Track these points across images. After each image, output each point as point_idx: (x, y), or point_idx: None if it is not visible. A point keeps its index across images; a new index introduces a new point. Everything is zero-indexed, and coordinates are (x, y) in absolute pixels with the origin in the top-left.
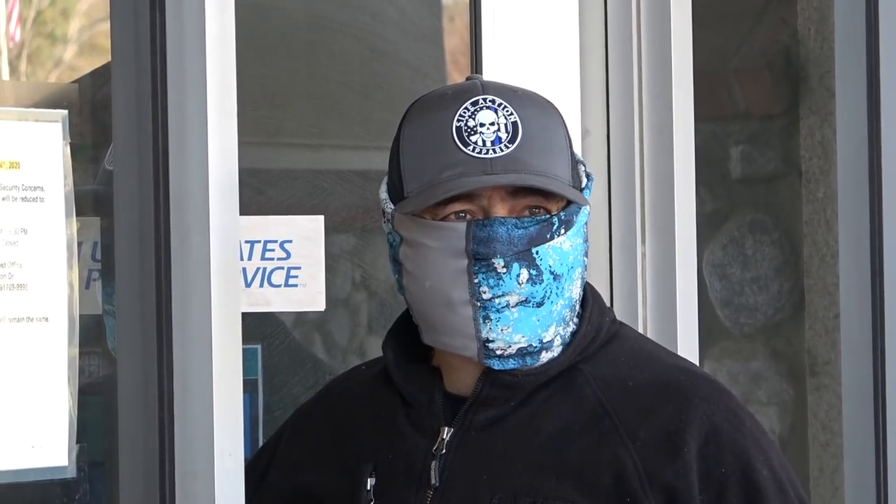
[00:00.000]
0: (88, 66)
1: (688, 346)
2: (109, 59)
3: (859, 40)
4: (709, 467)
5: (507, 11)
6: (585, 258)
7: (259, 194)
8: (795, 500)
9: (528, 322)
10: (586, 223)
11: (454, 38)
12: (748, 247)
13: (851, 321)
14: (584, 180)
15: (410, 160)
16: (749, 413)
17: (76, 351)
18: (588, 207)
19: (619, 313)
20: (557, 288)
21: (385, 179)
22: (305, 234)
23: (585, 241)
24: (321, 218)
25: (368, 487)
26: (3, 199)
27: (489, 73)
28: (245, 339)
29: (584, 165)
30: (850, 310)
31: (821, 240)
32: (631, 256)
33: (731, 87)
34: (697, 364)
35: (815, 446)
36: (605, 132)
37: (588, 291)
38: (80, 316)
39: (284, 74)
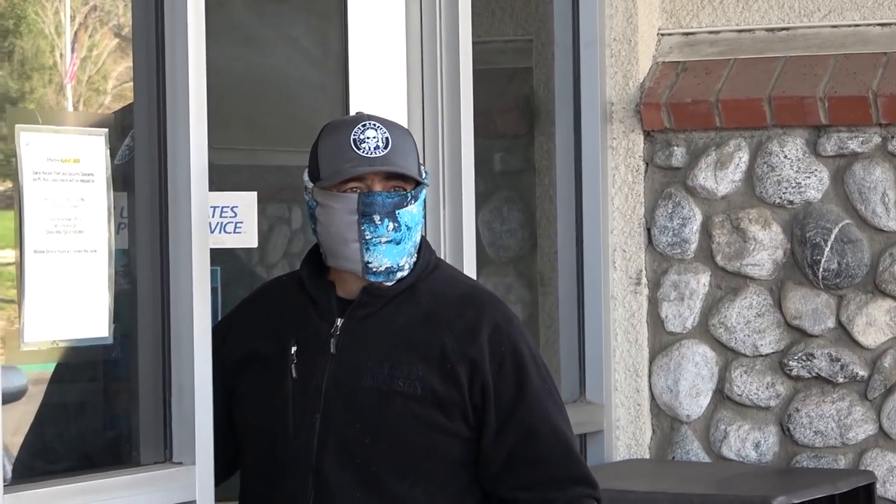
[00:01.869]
0: (119, 105)
1: (470, 269)
2: (132, 101)
3: (568, 91)
4: (493, 348)
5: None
6: (423, 220)
7: (220, 177)
8: (542, 366)
9: (391, 253)
10: (425, 200)
11: (333, 74)
12: (505, 211)
13: (564, 256)
14: (425, 175)
15: (325, 157)
16: (515, 315)
17: (113, 270)
18: (426, 190)
19: None
20: (409, 235)
21: (306, 170)
22: (245, 202)
23: (424, 209)
24: (255, 194)
25: (292, 352)
26: (70, 180)
27: (354, 92)
28: (211, 263)
29: (425, 166)
30: (563, 249)
31: (546, 208)
32: (437, 217)
33: (496, 119)
34: (479, 282)
35: (543, 328)
36: (422, 151)
37: (423, 239)
38: (115, 250)
39: (229, 106)
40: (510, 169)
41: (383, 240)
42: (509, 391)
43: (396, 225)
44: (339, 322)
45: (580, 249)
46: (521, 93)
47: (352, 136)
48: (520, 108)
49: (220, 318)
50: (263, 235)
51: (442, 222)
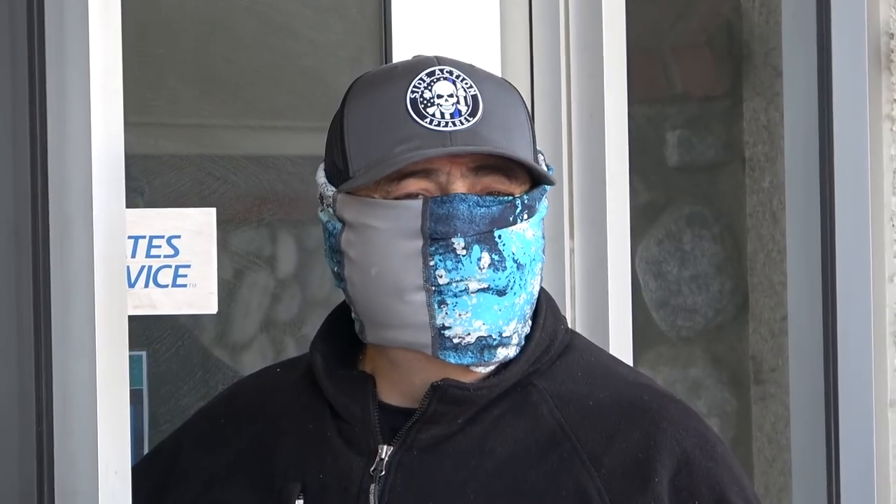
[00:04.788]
0: None
1: (621, 352)
2: None
3: (809, 14)
4: (681, 500)
5: None
6: (543, 255)
7: (144, 184)
8: None
9: (488, 309)
10: (543, 218)
11: (362, 11)
12: (686, 242)
13: (800, 324)
14: (547, 166)
15: (357, 137)
16: (717, 436)
17: None
18: (547, 200)
19: None
20: (521, 279)
21: (322, 165)
22: (196, 228)
23: (543, 236)
24: (213, 211)
25: None
26: None
27: (400, 51)
28: (131, 346)
29: (544, 155)
30: (798, 311)
31: (766, 234)
32: (558, 252)
33: (667, 67)
34: (646, 374)
35: (761, 462)
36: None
37: (542, 294)
38: None
39: (169, 51)
40: (697, 161)
41: (472, 286)
42: None
43: (497, 259)
44: (384, 452)
45: (830, 315)
46: (714, 18)
47: (409, 94)
48: (714, 44)
49: (152, 450)
50: (229, 291)
51: (567, 262)
